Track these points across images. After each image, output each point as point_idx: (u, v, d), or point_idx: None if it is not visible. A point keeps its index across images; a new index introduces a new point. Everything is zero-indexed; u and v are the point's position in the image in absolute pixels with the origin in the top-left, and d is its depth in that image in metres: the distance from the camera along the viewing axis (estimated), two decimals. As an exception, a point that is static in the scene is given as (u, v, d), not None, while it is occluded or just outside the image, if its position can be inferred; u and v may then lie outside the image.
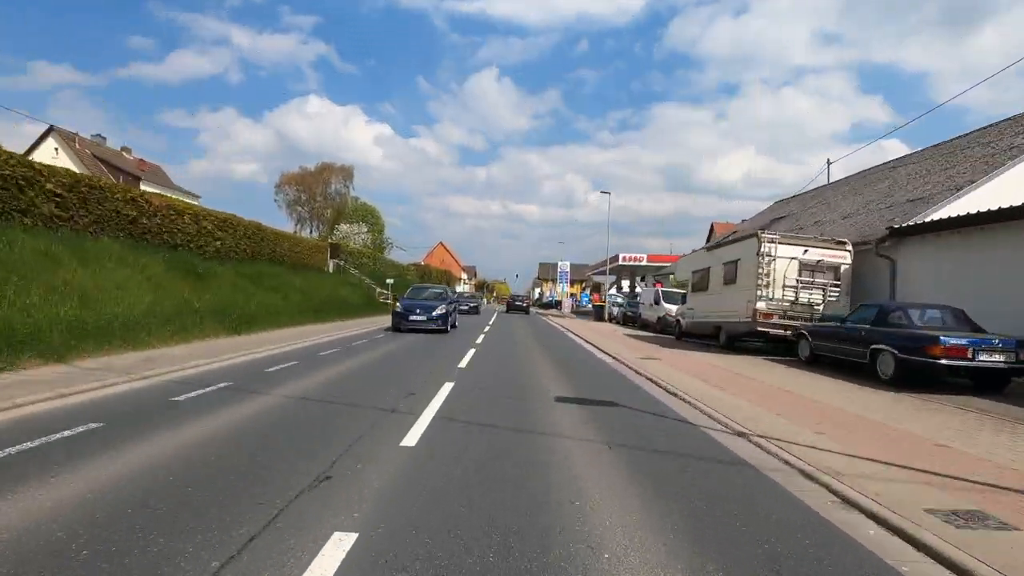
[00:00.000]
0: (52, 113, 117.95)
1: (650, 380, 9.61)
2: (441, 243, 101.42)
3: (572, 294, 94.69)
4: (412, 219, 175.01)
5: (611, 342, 18.19)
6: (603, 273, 72.59)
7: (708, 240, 69.72)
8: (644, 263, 48.85)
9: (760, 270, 13.26)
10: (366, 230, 48.73)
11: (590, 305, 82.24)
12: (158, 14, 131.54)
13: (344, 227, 48.77)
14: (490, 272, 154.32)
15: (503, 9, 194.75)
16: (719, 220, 72.12)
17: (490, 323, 25.05)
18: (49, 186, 11.39)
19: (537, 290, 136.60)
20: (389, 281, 30.59)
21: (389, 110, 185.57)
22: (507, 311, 43.06)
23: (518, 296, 56.10)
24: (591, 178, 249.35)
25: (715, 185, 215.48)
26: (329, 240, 33.37)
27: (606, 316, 32.73)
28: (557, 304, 73.45)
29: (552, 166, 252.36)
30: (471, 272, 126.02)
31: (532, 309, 58.03)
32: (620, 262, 48.88)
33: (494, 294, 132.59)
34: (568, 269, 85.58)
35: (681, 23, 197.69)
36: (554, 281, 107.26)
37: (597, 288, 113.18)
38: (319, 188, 74.38)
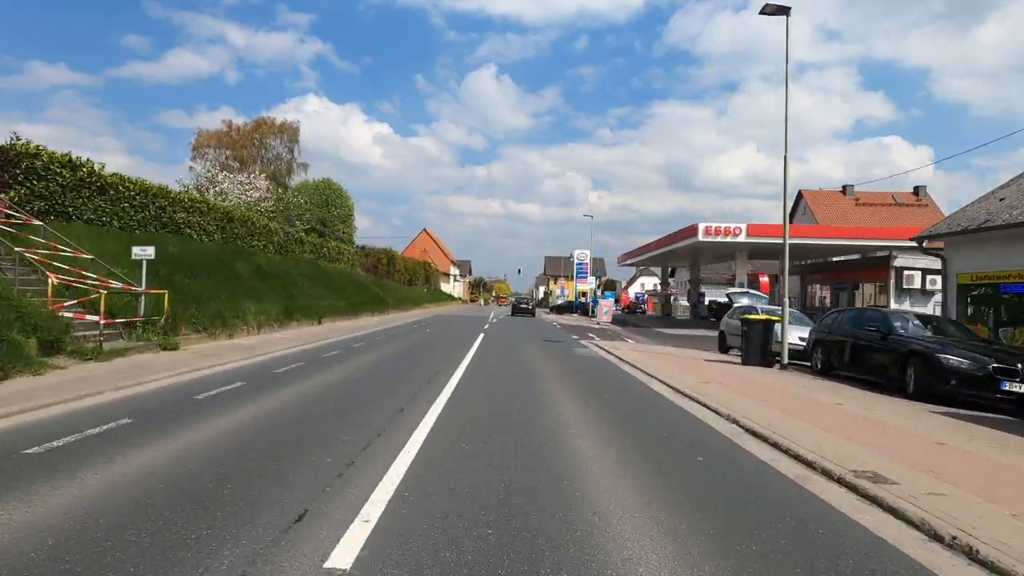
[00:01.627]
0: (50, 113, 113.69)
1: None
2: (426, 230, 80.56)
3: (583, 293, 75.37)
4: (412, 218, 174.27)
5: None
6: (648, 260, 51.55)
7: (794, 208, 48.51)
8: (742, 238, 27.74)
9: None
10: (266, 185, 27.68)
11: (619, 308, 60.86)
12: (153, 13, 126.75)
13: (222, 177, 27.83)
14: (490, 271, 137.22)
15: (501, 6, 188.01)
16: (807, 187, 50.97)
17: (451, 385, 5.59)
18: None
19: (542, 288, 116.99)
20: (145, 252, 9.30)
21: (388, 109, 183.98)
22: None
23: (523, 298, 53.34)
24: (591, 176, 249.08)
25: (715, 183, 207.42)
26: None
27: (769, 350, 11.27)
28: (579, 308, 52.35)
29: (552, 165, 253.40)
30: (465, 267, 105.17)
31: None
32: (699, 237, 27.83)
33: (493, 294, 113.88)
34: (588, 260, 64.63)
35: (681, 19, 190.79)
36: (566, 278, 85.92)
37: (611, 286, 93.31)
38: (252, 151, 53.30)
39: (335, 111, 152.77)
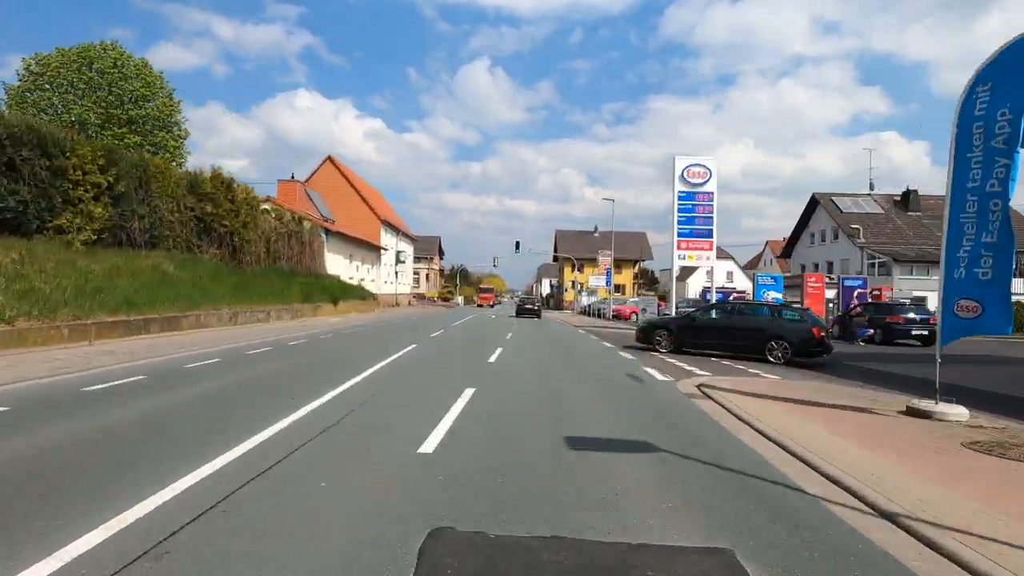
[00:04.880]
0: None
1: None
2: (331, 159, 40.60)
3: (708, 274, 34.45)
4: (408, 215, 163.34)
5: None
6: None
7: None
8: None
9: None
10: None
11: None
12: (139, 4, 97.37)
13: None
14: (486, 268, 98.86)
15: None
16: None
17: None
18: None
19: (547, 281, 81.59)
20: None
21: (380, 104, 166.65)
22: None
23: (528, 298, 42.50)
24: (587, 173, 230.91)
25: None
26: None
27: None
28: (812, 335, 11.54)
29: (547, 161, 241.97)
30: (429, 247, 65.27)
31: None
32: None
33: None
34: (714, 184, 23.94)
35: (677, 10, 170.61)
36: (631, 265, 45.99)
37: (651, 280, 61.65)
38: None
39: (327, 106, 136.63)
